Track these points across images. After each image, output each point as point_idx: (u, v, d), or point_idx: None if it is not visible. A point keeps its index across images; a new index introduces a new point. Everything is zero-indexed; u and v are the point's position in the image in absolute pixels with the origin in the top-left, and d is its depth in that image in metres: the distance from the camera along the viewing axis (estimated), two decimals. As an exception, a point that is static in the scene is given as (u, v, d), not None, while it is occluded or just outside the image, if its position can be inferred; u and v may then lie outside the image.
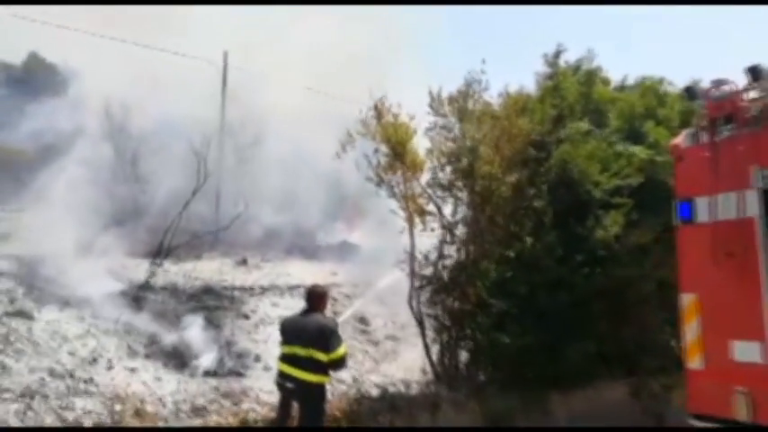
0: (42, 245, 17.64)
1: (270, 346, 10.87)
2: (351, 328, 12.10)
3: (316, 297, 6.90)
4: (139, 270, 15.87)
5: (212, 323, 11.48)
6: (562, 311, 8.40)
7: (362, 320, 12.65)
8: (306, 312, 6.82)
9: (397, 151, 8.52)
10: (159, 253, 16.38)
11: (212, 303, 12.80)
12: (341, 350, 6.59)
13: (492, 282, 8.40)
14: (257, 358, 10.29)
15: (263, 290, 15.62)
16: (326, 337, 6.53)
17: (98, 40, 22.82)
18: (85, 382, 8.89)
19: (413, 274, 9.51)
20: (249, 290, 15.50)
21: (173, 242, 17.13)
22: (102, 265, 16.46)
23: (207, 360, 9.92)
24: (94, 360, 9.53)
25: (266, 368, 9.99)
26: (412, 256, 9.42)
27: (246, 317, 12.27)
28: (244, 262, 18.98)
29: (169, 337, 10.57)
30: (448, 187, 8.99)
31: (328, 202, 25.67)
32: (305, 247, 22.50)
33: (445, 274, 9.11)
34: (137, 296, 13.20)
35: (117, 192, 21.80)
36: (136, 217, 20.79)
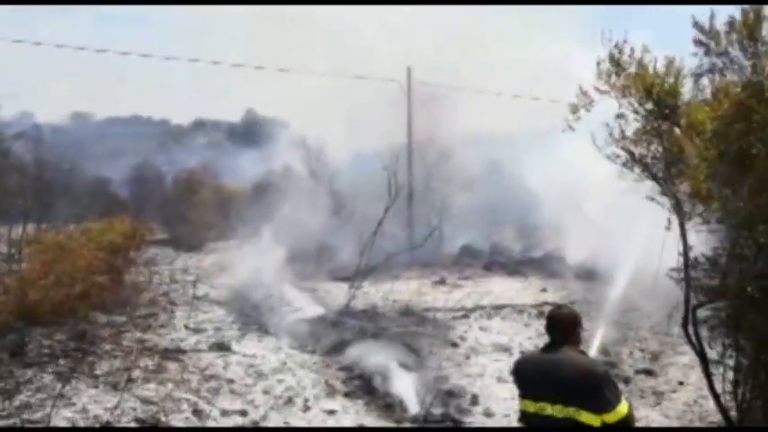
0: (254, 274, 17.30)
1: (488, 382, 8.23)
2: (585, 358, 8.97)
3: (566, 325, 3.96)
4: (340, 294, 14.43)
5: (417, 353, 9.16)
6: None
7: (601, 350, 9.37)
8: (552, 349, 3.96)
9: (664, 107, 5.41)
10: (357, 275, 14.83)
11: (415, 328, 10.53)
12: (622, 408, 3.66)
13: None
14: (474, 400, 7.67)
15: (467, 311, 13.11)
16: (597, 389, 3.60)
17: (296, 81, 22.63)
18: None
19: (688, 286, 6.21)
20: (451, 311, 13.11)
21: (369, 263, 15.61)
22: (307, 290, 15.39)
23: (415, 401, 7.56)
24: (290, 400, 7.69)
25: (488, 413, 7.34)
26: (686, 260, 6.14)
27: (455, 345, 9.76)
28: (442, 281, 16.66)
29: (370, 371, 8.44)
30: (742, 159, 5.63)
31: (525, 212, 22.48)
32: (504, 263, 19.55)
33: (753, 288, 5.66)
34: (337, 321, 11.51)
35: (319, 219, 21.21)
36: (337, 241, 19.76)
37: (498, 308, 13.46)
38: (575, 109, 5.73)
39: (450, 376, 8.43)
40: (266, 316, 12.11)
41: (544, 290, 15.66)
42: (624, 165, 6.25)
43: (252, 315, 12.33)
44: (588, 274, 17.84)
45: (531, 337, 10.18)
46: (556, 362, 3.83)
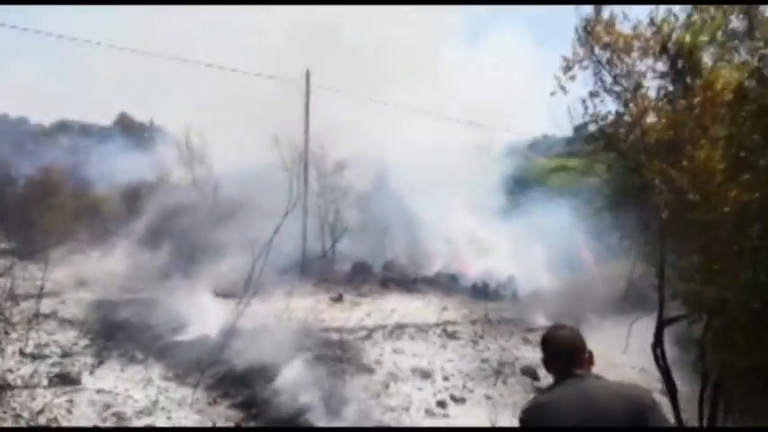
0: (119, 288, 14.53)
1: (416, 418, 6.63)
2: (517, 384, 7.72)
3: (579, 346, 2.68)
4: (224, 312, 12.13)
5: (327, 381, 7.33)
6: None
7: (528, 372, 8.17)
8: (569, 380, 2.58)
9: (684, 67, 4.23)
10: (246, 291, 12.65)
11: (322, 351, 8.69)
12: None
13: None
14: (407, 442, 6.03)
15: (369, 330, 11.53)
16: (648, 420, 2.42)
17: (178, 69, 19.85)
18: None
19: (662, 302, 5.13)
20: (352, 331, 11.45)
21: (260, 278, 13.54)
22: (185, 308, 12.87)
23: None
24: (161, 454, 5.52)
25: (425, 460, 5.72)
26: (662, 265, 5.06)
27: (370, 370, 8.07)
28: (339, 298, 14.94)
29: (274, 408, 6.47)
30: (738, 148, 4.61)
31: (418, 229, 21.54)
32: (400, 280, 18.26)
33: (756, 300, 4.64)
34: (223, 344, 9.32)
35: (200, 229, 18.61)
36: (219, 254, 17.27)
37: (401, 327, 12.05)
38: (569, 64, 4.42)
39: (370, 410, 6.71)
40: (133, 338, 9.61)
41: (445, 308, 14.51)
42: (603, 149, 5.09)
43: (114, 337, 9.75)
44: (483, 293, 17.23)
45: (452, 359, 8.78)
46: (590, 398, 2.53)
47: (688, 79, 4.04)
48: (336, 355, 8.60)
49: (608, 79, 5.01)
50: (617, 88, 4.97)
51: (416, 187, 21.18)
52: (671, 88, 4.23)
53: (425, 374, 7.99)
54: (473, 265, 20.08)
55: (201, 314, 11.78)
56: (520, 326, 12.48)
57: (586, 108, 5.00)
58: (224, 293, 14.01)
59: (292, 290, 15.20)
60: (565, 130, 5.38)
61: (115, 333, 10.03)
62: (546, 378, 8.20)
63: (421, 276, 19.33)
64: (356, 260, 20.29)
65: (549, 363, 2.68)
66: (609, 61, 4.91)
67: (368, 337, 11.02)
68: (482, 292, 17.31)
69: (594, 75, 5.00)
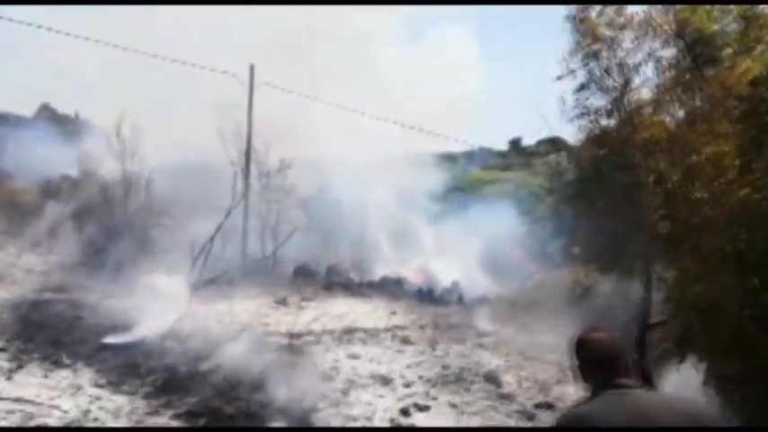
0: (40, 288, 13.19)
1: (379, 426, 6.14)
2: (481, 391, 7.40)
3: (625, 352, 2.29)
4: (162, 313, 11.14)
5: (282, 387, 6.71)
6: None
7: (491, 379, 7.86)
8: (614, 390, 2.19)
9: (700, 55, 4.01)
10: (185, 291, 11.73)
11: (271, 356, 8.02)
12: None
13: None
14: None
15: (318, 335, 10.96)
16: None
17: (114, 55, 18.39)
18: None
19: (648, 306, 4.96)
20: (299, 335, 10.84)
21: (200, 278, 12.70)
22: (117, 308, 11.76)
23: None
24: (96, 472, 4.74)
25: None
26: (648, 272, 4.89)
27: (326, 377, 7.51)
28: (284, 301, 14.22)
29: (224, 416, 5.79)
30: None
31: (361, 233, 21.13)
32: (345, 284, 17.75)
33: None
34: (161, 349, 8.46)
35: (132, 226, 17.31)
36: (155, 252, 16.08)
37: (351, 331, 11.56)
38: (577, 48, 4.14)
39: (328, 421, 6.16)
40: (58, 340, 8.56)
41: (393, 313, 14.12)
42: (593, 141, 4.88)
43: (35, 339, 8.65)
44: (429, 298, 17.08)
45: (411, 365, 8.36)
46: (644, 413, 2.11)
47: (705, 69, 3.83)
48: (287, 360, 7.97)
49: (597, 72, 4.82)
50: (607, 82, 4.79)
51: (359, 191, 20.88)
52: (687, 77, 4.01)
53: (385, 381, 7.54)
54: (416, 269, 19.98)
55: (136, 315, 10.75)
56: (470, 331, 12.31)
57: (577, 99, 4.78)
58: (160, 294, 12.99)
59: (231, 292, 14.36)
60: (553, 123, 5.16)
61: (36, 335, 8.92)
62: (509, 385, 7.97)
63: (366, 281, 18.92)
64: (298, 263, 19.61)
65: (586, 371, 2.23)
66: (596, 54, 4.72)
67: (317, 341, 10.46)
68: (428, 296, 17.19)
69: (584, 66, 4.80)
